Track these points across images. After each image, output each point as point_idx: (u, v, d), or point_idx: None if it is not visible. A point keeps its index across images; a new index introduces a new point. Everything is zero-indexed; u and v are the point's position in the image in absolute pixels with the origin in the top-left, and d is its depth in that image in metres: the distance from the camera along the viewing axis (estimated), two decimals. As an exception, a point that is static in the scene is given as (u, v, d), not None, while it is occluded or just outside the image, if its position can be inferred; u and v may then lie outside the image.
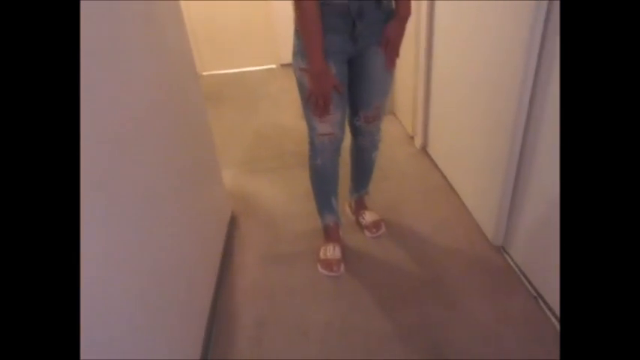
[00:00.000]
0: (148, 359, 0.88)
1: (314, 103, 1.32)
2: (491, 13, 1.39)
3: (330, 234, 1.65)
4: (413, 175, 2.14)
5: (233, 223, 1.88)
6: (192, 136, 1.45)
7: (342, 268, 1.57)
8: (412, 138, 2.46)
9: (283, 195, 2.08)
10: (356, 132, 1.56)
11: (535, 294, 1.33)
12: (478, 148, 1.62)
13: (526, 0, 1.14)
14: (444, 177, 2.05)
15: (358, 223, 1.79)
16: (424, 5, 1.97)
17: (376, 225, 1.74)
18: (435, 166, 2.16)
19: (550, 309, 1.27)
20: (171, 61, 1.30)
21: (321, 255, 1.61)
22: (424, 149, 2.32)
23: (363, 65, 1.35)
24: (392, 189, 2.03)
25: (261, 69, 4.22)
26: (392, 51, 1.34)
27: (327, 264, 1.57)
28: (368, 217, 1.77)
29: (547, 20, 1.11)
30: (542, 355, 1.18)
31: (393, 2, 1.30)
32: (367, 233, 1.73)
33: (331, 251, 1.60)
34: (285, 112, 3.12)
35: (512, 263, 1.47)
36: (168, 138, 1.17)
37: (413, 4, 1.34)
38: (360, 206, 1.81)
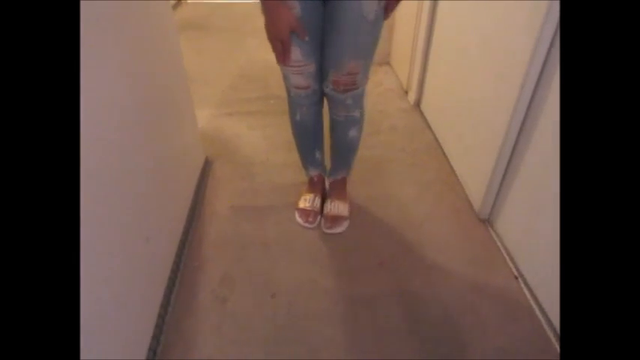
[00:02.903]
0: (106, 317, 0.79)
1: (272, 46, 1.11)
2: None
3: (313, 185, 1.55)
4: (403, 131, 2.02)
5: (207, 169, 1.75)
6: (159, 69, 1.27)
7: (319, 221, 1.48)
8: (406, 92, 2.31)
9: (264, 142, 1.94)
10: (328, 101, 1.30)
11: (516, 273, 1.27)
12: (476, 112, 1.49)
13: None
14: (435, 137, 1.93)
15: (321, 210, 1.53)
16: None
17: (334, 220, 1.46)
18: (427, 124, 2.03)
19: (530, 290, 1.21)
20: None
21: (300, 203, 1.52)
22: (417, 105, 2.18)
23: (334, 8, 1.07)
24: (379, 145, 1.91)
25: (249, 1, 3.89)
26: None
27: (304, 213, 1.49)
28: (331, 208, 1.49)
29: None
30: (518, 333, 1.14)
31: None
32: (322, 226, 1.48)
33: (311, 201, 1.51)
34: (272, 52, 2.90)
35: (496, 239, 1.40)
36: (127, 65, 1.00)
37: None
38: (332, 192, 1.53)
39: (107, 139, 0.86)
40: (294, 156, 1.53)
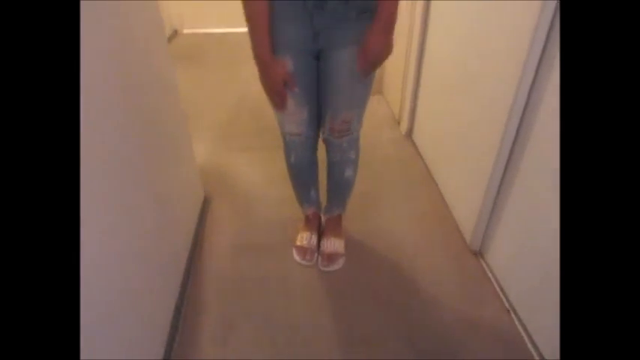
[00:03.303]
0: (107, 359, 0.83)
1: (268, 97, 1.19)
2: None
3: (309, 222, 1.60)
4: (395, 162, 2.08)
5: (206, 207, 1.80)
6: (156, 106, 1.30)
7: (316, 258, 1.53)
8: (398, 122, 2.37)
9: (260, 177, 2.00)
10: (325, 143, 1.35)
11: (508, 306, 1.32)
12: (464, 143, 1.55)
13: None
14: (427, 167, 1.99)
15: (318, 247, 1.57)
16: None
17: (331, 258, 1.50)
18: (419, 154, 2.09)
19: (522, 323, 1.25)
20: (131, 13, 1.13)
21: (297, 241, 1.57)
22: (409, 135, 2.24)
23: (328, 66, 1.14)
24: (373, 177, 1.96)
25: (243, 31, 3.98)
26: (366, 63, 1.10)
27: (301, 251, 1.53)
28: (328, 245, 1.53)
29: (556, 9, 1.01)
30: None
31: None
32: (319, 263, 1.52)
33: (307, 239, 1.56)
34: (268, 81, 2.98)
35: (487, 271, 1.45)
36: (126, 106, 1.03)
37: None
38: (328, 229, 1.57)
39: (104, 178, 0.88)
40: (291, 190, 1.58)
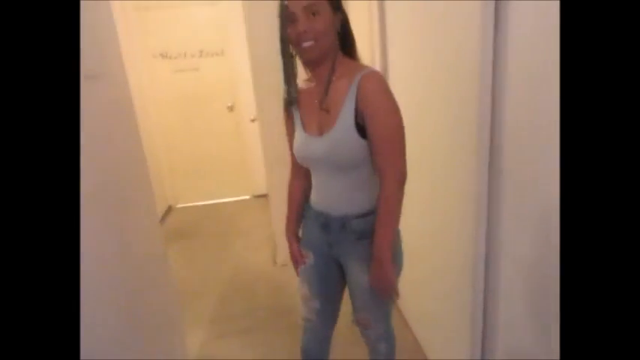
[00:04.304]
0: None
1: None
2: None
3: None
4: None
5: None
6: (152, 310, 1.38)
7: None
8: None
9: (255, 365, 2.01)
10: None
11: None
12: (440, 325, 1.65)
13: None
14: (415, 338, 2.04)
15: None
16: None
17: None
18: (407, 324, 2.16)
19: None
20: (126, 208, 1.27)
21: None
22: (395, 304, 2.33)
23: (346, 270, 1.28)
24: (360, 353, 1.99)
25: (234, 200, 4.35)
26: (375, 286, 1.18)
27: None
28: None
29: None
30: None
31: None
32: None
33: None
34: (258, 251, 3.16)
35: None
36: (120, 312, 1.10)
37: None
38: None
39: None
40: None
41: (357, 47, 1.17)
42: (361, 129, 1.07)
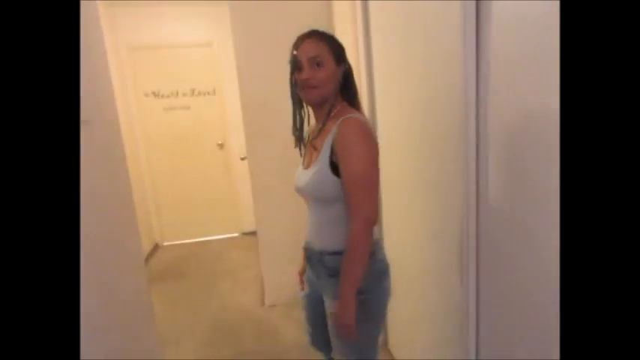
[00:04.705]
0: None
1: None
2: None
3: None
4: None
5: None
6: None
7: None
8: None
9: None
10: None
11: None
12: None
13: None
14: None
15: None
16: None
17: None
18: (398, 367, 2.09)
19: None
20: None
21: None
22: (385, 344, 2.27)
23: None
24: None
25: (223, 237, 4.29)
26: (334, 324, 1.20)
27: None
28: None
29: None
30: None
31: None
32: None
33: None
34: (245, 291, 3.09)
35: None
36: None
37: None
38: None
39: None
40: None
41: (358, 96, 1.28)
42: (335, 168, 1.14)
